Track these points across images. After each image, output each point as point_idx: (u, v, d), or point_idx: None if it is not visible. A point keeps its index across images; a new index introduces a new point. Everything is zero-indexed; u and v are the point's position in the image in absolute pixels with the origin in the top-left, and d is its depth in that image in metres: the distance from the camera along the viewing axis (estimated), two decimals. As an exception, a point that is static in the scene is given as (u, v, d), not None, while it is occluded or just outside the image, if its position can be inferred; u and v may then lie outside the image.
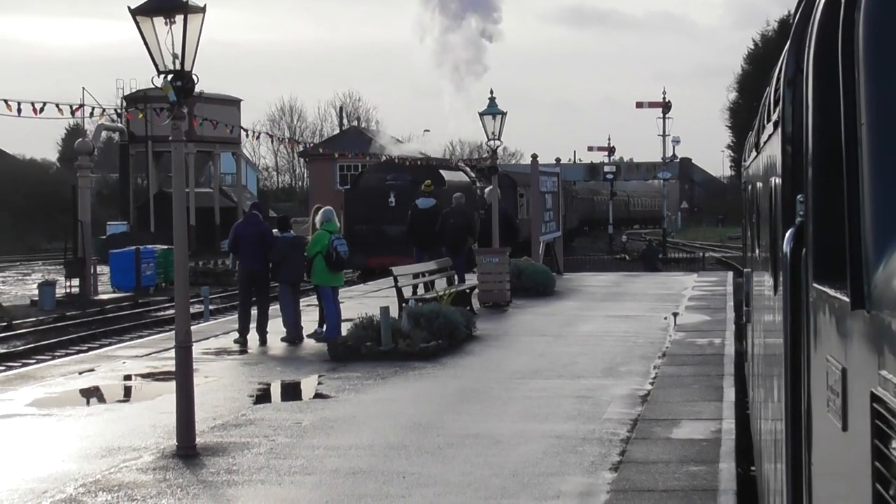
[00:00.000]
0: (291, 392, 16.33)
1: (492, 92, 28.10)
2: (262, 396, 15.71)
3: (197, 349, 15.56)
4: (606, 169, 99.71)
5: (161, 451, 12.05)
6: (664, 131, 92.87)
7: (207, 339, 21.43)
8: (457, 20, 43.13)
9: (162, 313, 36.09)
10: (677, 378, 16.28)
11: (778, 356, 5.38)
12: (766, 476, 7.56)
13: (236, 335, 20.68)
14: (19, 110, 25.46)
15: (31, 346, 27.96)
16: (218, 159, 71.72)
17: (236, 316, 21.76)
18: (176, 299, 12.46)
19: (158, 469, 11.29)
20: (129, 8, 11.88)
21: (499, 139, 28.37)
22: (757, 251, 9.67)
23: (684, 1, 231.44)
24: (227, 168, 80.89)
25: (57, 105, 26.60)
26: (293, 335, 20.54)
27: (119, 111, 54.00)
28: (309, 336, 20.77)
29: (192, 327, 12.71)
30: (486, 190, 30.18)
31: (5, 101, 24.95)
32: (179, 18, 11.62)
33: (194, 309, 26.94)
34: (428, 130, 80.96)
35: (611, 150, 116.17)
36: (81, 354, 22.41)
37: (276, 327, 20.69)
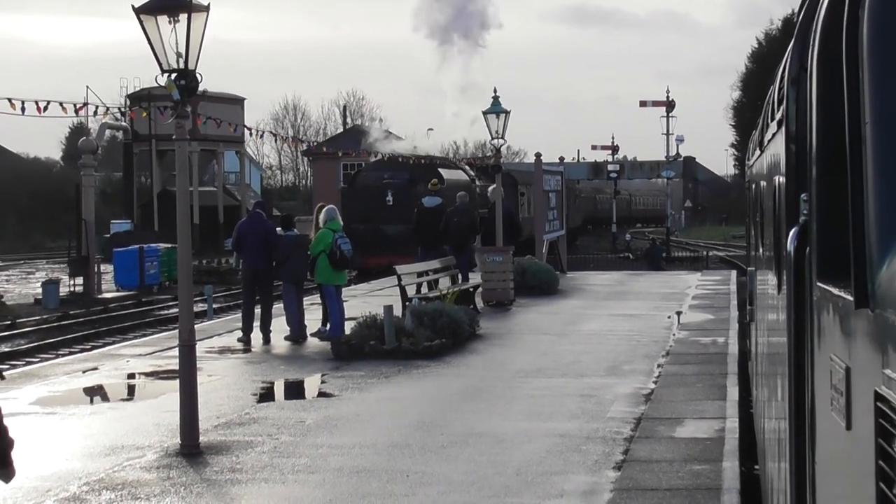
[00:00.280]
0: (295, 391, 16.34)
1: (495, 91, 28.12)
2: (266, 395, 15.72)
3: (200, 348, 15.56)
4: (610, 168, 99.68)
5: (165, 449, 12.06)
6: (668, 130, 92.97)
7: (211, 337, 21.44)
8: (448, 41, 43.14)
9: (165, 312, 36.10)
10: (681, 377, 16.27)
11: (782, 355, 5.37)
12: (770, 475, 7.56)
13: (240, 334, 20.69)
14: (23, 109, 25.45)
15: (35, 344, 27.98)
16: (222, 158, 71.78)
17: (240, 314, 21.76)
18: (179, 298, 12.46)
19: (162, 468, 11.30)
20: (132, 6, 11.88)
21: (502, 138, 28.37)
22: (761, 250, 9.67)
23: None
24: (230, 167, 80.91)
25: (61, 104, 26.59)
26: (297, 334, 20.54)
27: (123, 110, 54.02)
28: (312, 335, 20.77)
29: (195, 326, 12.71)
30: (490, 188, 30.17)
31: (9, 100, 24.95)
32: (183, 17, 11.62)
33: (198, 307, 27.00)
34: (432, 129, 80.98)
35: (614, 149, 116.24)
36: (85, 353, 22.42)
37: (279, 326, 20.70)
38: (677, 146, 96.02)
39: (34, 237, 79.23)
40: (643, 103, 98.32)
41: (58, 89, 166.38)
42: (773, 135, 6.51)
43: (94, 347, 25.29)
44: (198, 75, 11.81)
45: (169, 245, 42.32)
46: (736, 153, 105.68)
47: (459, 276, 26.67)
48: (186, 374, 12.06)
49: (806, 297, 4.01)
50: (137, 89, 65.74)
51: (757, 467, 11.15)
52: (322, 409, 14.26)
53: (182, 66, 11.68)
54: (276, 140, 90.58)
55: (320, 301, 21.53)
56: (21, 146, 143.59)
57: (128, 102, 63.67)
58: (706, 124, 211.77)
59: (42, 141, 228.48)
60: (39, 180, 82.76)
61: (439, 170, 42.46)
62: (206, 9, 11.83)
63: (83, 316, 34.88)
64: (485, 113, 28.09)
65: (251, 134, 40.15)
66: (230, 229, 26.83)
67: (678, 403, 14.27)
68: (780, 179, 5.83)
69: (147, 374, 17.61)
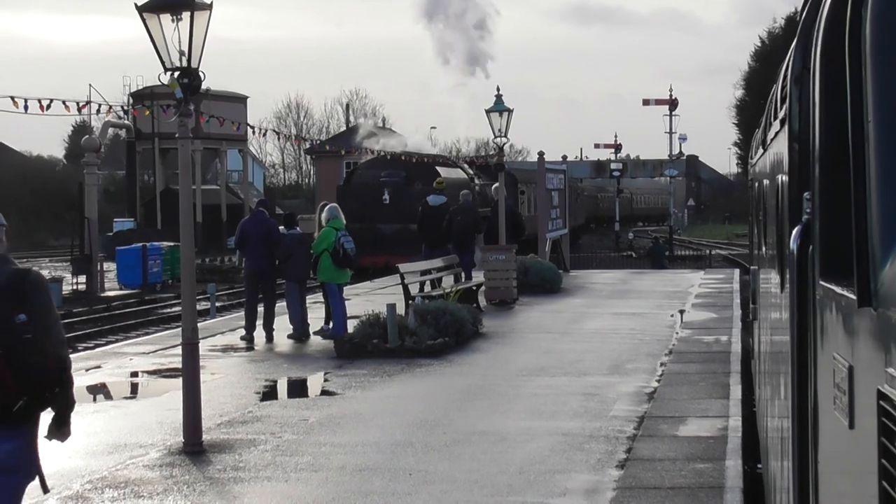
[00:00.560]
0: (298, 389, 16.35)
1: (498, 89, 28.10)
2: (269, 393, 15.73)
3: (203, 346, 15.57)
4: (613, 166, 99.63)
5: (168, 447, 12.06)
6: (671, 128, 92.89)
7: (214, 335, 21.45)
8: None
9: (168, 310, 36.12)
10: (684, 375, 16.27)
11: (784, 354, 5.37)
12: (773, 473, 7.56)
13: (243, 332, 20.70)
14: (26, 107, 25.49)
15: (38, 342, 27.97)
16: (224, 156, 71.83)
17: (243, 313, 21.77)
18: (182, 296, 12.47)
19: (165, 466, 11.30)
20: (135, 5, 11.88)
21: (505, 136, 28.37)
22: (763, 249, 9.67)
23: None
24: (233, 165, 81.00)
25: (64, 102, 26.64)
26: (300, 332, 20.55)
27: (126, 108, 54.05)
28: (315, 333, 20.78)
29: (198, 324, 12.72)
30: (493, 187, 30.17)
31: (12, 98, 24.99)
32: (186, 15, 11.62)
33: (201, 306, 26.97)
34: (434, 127, 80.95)
35: (617, 148, 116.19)
36: (88, 351, 22.43)
37: (282, 324, 20.71)
38: (680, 145, 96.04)
39: (37, 235, 79.27)
40: (646, 102, 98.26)
41: (61, 87, 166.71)
42: (776, 133, 6.50)
43: (97, 346, 25.31)
44: (201, 73, 11.81)
45: (172, 243, 42.30)
46: (739, 152, 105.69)
47: (462, 275, 26.67)
48: (189, 373, 12.06)
49: (809, 295, 4.01)
50: (140, 87, 65.80)
51: (760, 466, 11.14)
52: (325, 408, 14.26)
53: (185, 64, 11.68)
54: (278, 138, 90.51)
55: (323, 299, 21.53)
56: (24, 144, 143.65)
57: (131, 101, 63.71)
58: (709, 123, 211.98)
59: (45, 139, 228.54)
60: (42, 179, 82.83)
61: (437, 168, 42.20)
62: (209, 7, 11.83)
63: (86, 314, 34.91)
64: (488, 111, 28.09)
65: (254, 132, 40.27)
66: (233, 228, 26.84)
67: (681, 402, 14.27)
68: (783, 178, 5.83)
69: (150, 373, 17.62)
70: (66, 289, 39.90)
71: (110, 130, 60.70)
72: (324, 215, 20.42)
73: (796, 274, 4.19)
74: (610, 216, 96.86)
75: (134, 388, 16.77)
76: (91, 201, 41.84)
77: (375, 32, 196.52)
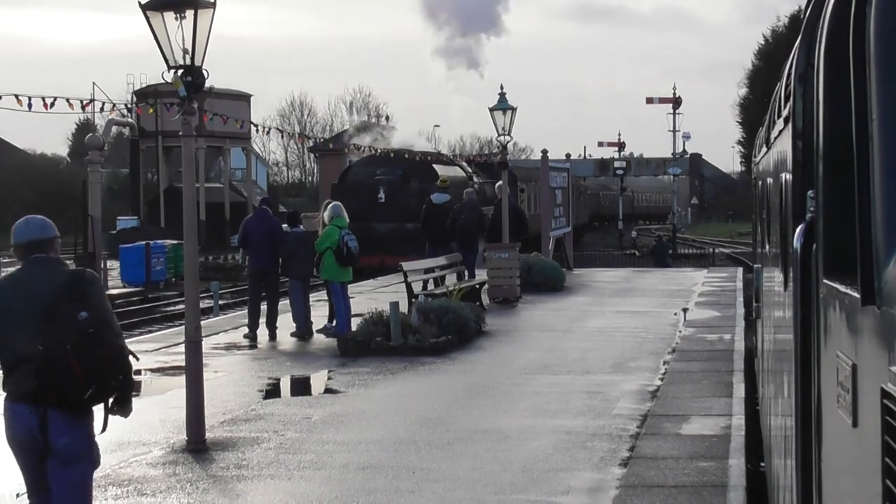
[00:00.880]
0: (301, 387, 16.36)
1: (502, 87, 28.08)
2: (272, 391, 15.74)
3: (207, 344, 15.57)
4: (616, 164, 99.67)
5: (171, 445, 12.07)
6: (674, 127, 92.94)
7: (217, 334, 21.46)
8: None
9: (172, 308, 36.14)
10: (687, 374, 16.27)
11: (788, 352, 5.37)
12: (776, 472, 7.55)
13: (246, 330, 20.71)
14: (30, 105, 25.49)
15: (42, 340, 27.97)
16: (228, 154, 71.79)
17: (246, 311, 21.78)
18: (186, 294, 12.48)
19: (168, 464, 11.31)
20: (139, 3, 11.88)
21: (509, 134, 28.36)
22: (767, 247, 9.67)
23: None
24: (237, 163, 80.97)
25: (67, 100, 26.63)
26: (303, 330, 20.55)
27: (129, 106, 54.08)
28: (318, 331, 20.78)
29: (201, 322, 12.72)
30: (497, 185, 30.17)
31: (16, 96, 24.98)
32: (190, 13, 11.62)
33: (204, 304, 27.00)
34: (438, 126, 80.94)
35: (621, 146, 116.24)
36: (91, 349, 22.41)
37: (285, 322, 20.71)
38: (684, 143, 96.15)
39: (41, 233, 79.23)
40: (650, 100, 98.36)
41: (64, 86, 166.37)
42: (780, 132, 6.50)
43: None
44: (204, 72, 11.81)
45: (175, 241, 42.29)
46: (742, 150, 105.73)
47: (466, 273, 26.67)
48: (193, 371, 12.07)
49: (812, 294, 4.01)
50: (144, 86, 65.78)
51: (763, 464, 11.13)
52: (328, 406, 14.27)
53: (188, 62, 11.67)
54: (282, 136, 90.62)
55: (327, 298, 21.53)
56: (28, 142, 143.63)
57: (134, 99, 63.67)
58: (713, 121, 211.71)
59: (49, 137, 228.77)
60: (46, 177, 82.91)
61: (434, 166, 41.76)
62: (213, 5, 11.83)
63: (89, 312, 34.85)
64: (491, 109, 28.08)
65: (258, 130, 40.12)
66: (236, 226, 26.81)
67: (684, 400, 14.26)
68: (786, 176, 5.83)
69: (153, 371, 17.62)
70: (70, 287, 39.85)
71: (114, 128, 60.63)
72: (327, 213, 20.43)
73: (800, 272, 4.19)
74: (609, 215, 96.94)
75: (137, 386, 16.77)
76: (95, 199, 41.77)
77: (376, 31, 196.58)
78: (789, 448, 5.33)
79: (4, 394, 7.37)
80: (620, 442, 11.92)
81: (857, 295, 2.80)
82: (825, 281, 3.52)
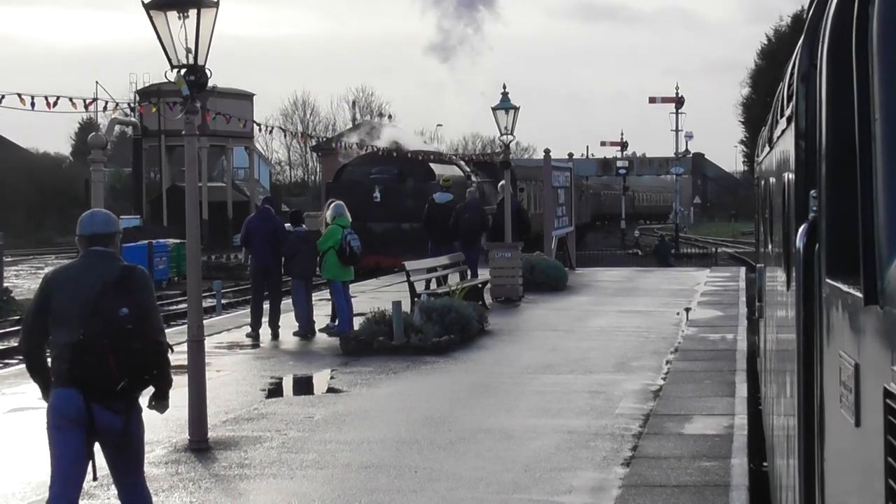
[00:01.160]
0: (303, 386, 16.36)
1: (504, 87, 28.07)
2: (275, 390, 15.74)
3: (209, 343, 15.58)
4: (619, 164, 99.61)
5: (173, 444, 12.07)
6: (677, 126, 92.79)
7: (220, 333, 21.47)
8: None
9: (174, 307, 36.15)
10: (689, 373, 16.27)
11: (790, 352, 5.37)
12: (779, 472, 7.55)
13: (249, 329, 20.71)
14: (33, 104, 25.47)
15: (44, 339, 27.98)
16: (231, 154, 71.87)
17: (248, 310, 21.78)
18: (188, 293, 12.48)
19: (171, 463, 11.31)
20: (142, 2, 11.89)
21: (511, 134, 28.36)
22: (770, 247, 9.66)
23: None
24: (239, 162, 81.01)
25: (70, 99, 26.61)
26: (305, 329, 20.56)
27: (132, 105, 54.06)
28: (321, 330, 20.79)
29: (204, 321, 12.72)
30: (500, 184, 30.16)
31: (19, 95, 24.98)
32: (193, 13, 11.62)
33: (207, 303, 27.00)
34: (441, 125, 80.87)
35: (623, 145, 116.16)
36: (94, 348, 22.43)
37: (288, 322, 20.72)
38: (686, 143, 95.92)
39: (43, 232, 79.36)
40: (652, 100, 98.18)
41: (67, 85, 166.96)
42: (783, 131, 6.50)
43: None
44: (207, 71, 11.82)
45: (178, 240, 42.31)
46: (745, 150, 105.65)
47: (468, 272, 26.67)
48: (195, 370, 12.07)
49: (815, 293, 4.01)
50: (147, 85, 65.85)
51: (766, 464, 11.13)
52: (330, 405, 14.27)
53: (192, 61, 11.68)
54: (285, 136, 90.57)
55: (329, 297, 21.54)
56: (30, 141, 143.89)
57: (137, 98, 63.73)
58: (715, 121, 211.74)
59: (52, 136, 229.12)
60: (49, 176, 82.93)
61: (431, 165, 41.38)
62: (216, 4, 11.83)
63: (92, 311, 34.87)
64: (494, 109, 28.07)
65: (260, 129, 40.23)
66: (239, 225, 26.81)
67: (687, 400, 14.26)
68: (789, 176, 5.83)
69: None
70: (73, 286, 39.87)
71: (117, 127, 60.58)
72: (329, 213, 20.44)
73: (802, 272, 4.19)
74: (610, 214, 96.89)
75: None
76: (97, 198, 41.72)
77: (379, 30, 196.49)
78: (792, 448, 5.33)
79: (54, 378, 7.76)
80: (623, 441, 11.92)
81: (859, 295, 2.80)
82: (828, 280, 3.52)
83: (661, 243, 61.46)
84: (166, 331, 9.00)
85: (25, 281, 48.71)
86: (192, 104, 11.92)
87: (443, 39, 44.13)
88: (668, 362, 17.31)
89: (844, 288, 3.15)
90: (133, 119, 58.42)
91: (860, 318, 2.85)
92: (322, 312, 21.70)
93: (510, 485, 10.25)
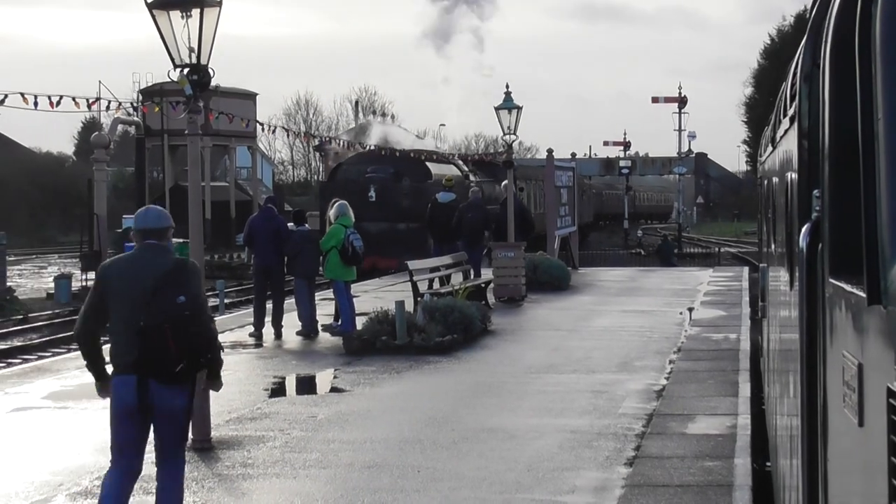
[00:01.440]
0: (306, 386, 16.36)
1: (507, 86, 28.10)
2: (278, 390, 15.74)
3: (212, 343, 15.57)
4: (622, 164, 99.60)
5: (176, 444, 12.06)
6: (680, 126, 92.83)
7: (223, 332, 21.43)
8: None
9: (177, 307, 36.10)
10: (692, 373, 16.26)
11: (794, 351, 5.37)
12: (782, 471, 7.55)
13: (251, 329, 20.71)
14: (36, 103, 25.49)
15: (47, 339, 28.03)
16: (234, 153, 71.79)
17: (251, 310, 21.78)
18: (191, 293, 12.46)
19: (174, 462, 11.30)
20: (145, 1, 11.89)
21: (514, 133, 28.37)
22: (773, 246, 9.66)
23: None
24: (242, 162, 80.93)
25: (73, 98, 26.63)
26: (308, 329, 20.56)
27: (135, 105, 53.99)
28: (324, 330, 20.79)
29: (207, 321, 12.69)
30: (503, 184, 30.18)
31: (22, 95, 24.99)
32: (196, 12, 11.63)
33: (210, 302, 27.01)
34: (444, 125, 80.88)
35: (626, 145, 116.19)
36: (97, 347, 22.43)
37: (291, 321, 20.72)
38: (689, 142, 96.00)
39: (46, 232, 79.41)
40: (655, 99, 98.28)
41: (70, 84, 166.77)
42: (786, 131, 6.50)
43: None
44: (210, 70, 11.82)
45: (181, 240, 42.17)
46: (748, 149, 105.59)
47: (471, 272, 26.68)
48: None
49: (818, 293, 4.01)
50: (150, 84, 65.74)
51: (769, 464, 11.13)
52: (333, 405, 14.28)
53: (194, 60, 11.68)
54: (288, 135, 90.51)
55: (333, 296, 21.54)
56: (33, 141, 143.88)
57: (140, 97, 63.63)
58: (718, 120, 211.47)
59: (55, 136, 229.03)
60: (52, 175, 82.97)
61: (427, 164, 41.07)
62: (219, 4, 11.84)
63: (95, 310, 34.87)
64: (497, 108, 28.08)
65: (263, 129, 40.06)
66: (242, 224, 26.82)
67: (690, 400, 14.26)
68: (792, 176, 5.82)
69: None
70: (76, 285, 39.93)
71: (120, 127, 60.71)
72: (332, 212, 20.45)
73: (805, 272, 4.18)
74: (612, 214, 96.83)
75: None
76: (100, 197, 41.83)
77: (381, 30, 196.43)
78: (795, 447, 5.33)
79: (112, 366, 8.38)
80: (626, 441, 11.91)
81: (862, 294, 2.80)
82: (831, 280, 3.51)
83: (664, 243, 61.48)
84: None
85: (28, 280, 48.75)
86: (194, 104, 11.93)
87: (445, 40, 44.13)
88: (671, 362, 17.30)
89: (848, 288, 3.14)
90: (136, 118, 58.40)
91: (863, 317, 2.85)
92: (325, 312, 21.70)
93: (513, 484, 10.25)
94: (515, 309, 25.15)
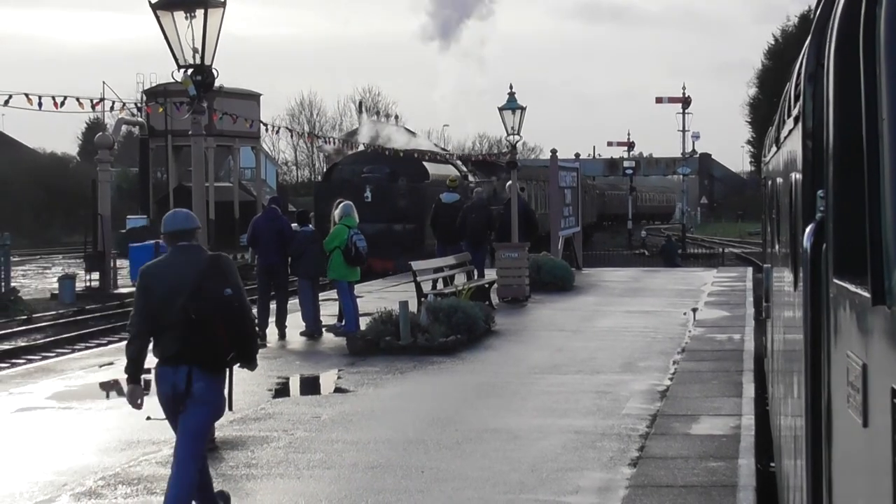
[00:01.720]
0: (310, 386, 16.36)
1: (511, 87, 28.09)
2: (281, 390, 15.74)
3: (216, 343, 15.56)
4: (626, 164, 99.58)
5: (180, 444, 12.07)
6: (684, 126, 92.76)
7: (227, 333, 21.44)
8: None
9: (181, 307, 36.11)
10: (696, 374, 16.25)
11: (798, 352, 5.36)
12: (786, 472, 7.55)
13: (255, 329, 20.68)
14: (40, 104, 25.53)
15: (51, 339, 28.05)
16: (237, 154, 71.81)
17: (255, 310, 21.77)
18: (195, 293, 12.46)
19: (178, 462, 11.31)
20: (149, 2, 11.90)
21: (518, 134, 28.36)
22: (777, 247, 9.65)
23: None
24: (246, 162, 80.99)
25: (77, 99, 26.68)
26: (312, 329, 20.56)
27: (139, 105, 54.12)
28: (328, 330, 20.79)
29: (211, 321, 12.70)
30: (507, 185, 30.18)
31: (26, 96, 25.04)
32: (199, 13, 11.64)
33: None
34: (447, 125, 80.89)
35: (630, 146, 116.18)
36: (101, 348, 22.48)
37: (295, 322, 20.73)
38: (693, 143, 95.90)
39: (50, 232, 79.43)
40: (659, 100, 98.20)
41: (74, 85, 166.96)
42: (790, 131, 6.49)
43: (109, 342, 25.37)
44: (214, 71, 11.83)
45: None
46: (752, 150, 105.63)
47: (475, 272, 26.68)
48: (202, 370, 12.05)
49: (822, 293, 4.00)
50: (154, 85, 65.76)
51: (773, 464, 11.12)
52: (337, 405, 14.28)
53: (198, 61, 11.69)
54: (291, 136, 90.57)
55: (336, 297, 21.54)
56: (37, 141, 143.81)
57: (144, 98, 63.69)
58: (722, 121, 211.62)
59: (59, 136, 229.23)
60: (56, 175, 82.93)
61: (425, 163, 40.81)
62: (223, 4, 11.85)
63: (99, 311, 34.96)
64: (500, 109, 28.08)
65: (267, 130, 40.07)
66: (245, 225, 26.82)
67: (694, 400, 14.25)
68: (796, 176, 5.82)
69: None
70: (80, 285, 39.95)
71: (124, 127, 60.73)
72: (336, 213, 20.45)
73: (810, 272, 4.18)
74: (613, 214, 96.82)
75: (147, 385, 16.74)
76: (104, 198, 41.89)
77: (381, 29, 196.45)
78: (799, 448, 5.33)
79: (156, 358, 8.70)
80: (630, 442, 11.91)
81: (867, 294, 2.80)
82: (835, 281, 3.51)
83: (668, 243, 61.44)
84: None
85: (32, 281, 48.77)
86: (198, 104, 11.94)
87: (448, 40, 44.13)
88: (675, 363, 17.30)
89: (852, 288, 3.14)
90: (140, 119, 58.46)
91: (868, 318, 2.84)
92: (329, 312, 21.70)
93: (517, 485, 10.25)
94: (519, 309, 25.15)
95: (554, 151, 37.03)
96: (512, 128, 28.10)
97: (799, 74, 5.59)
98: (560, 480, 10.38)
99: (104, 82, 62.40)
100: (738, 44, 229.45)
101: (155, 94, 60.68)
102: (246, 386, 15.72)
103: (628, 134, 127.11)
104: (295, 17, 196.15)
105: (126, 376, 8.81)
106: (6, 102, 24.15)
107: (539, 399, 14.42)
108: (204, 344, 8.44)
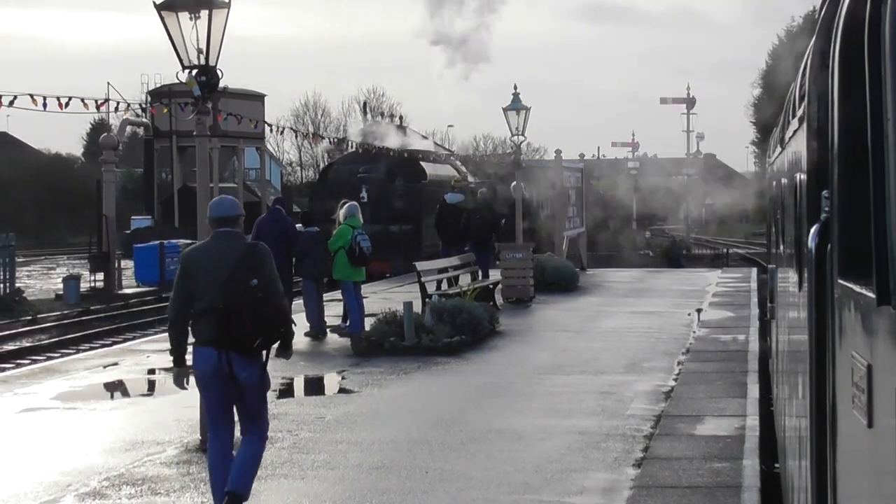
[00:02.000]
0: (315, 387, 16.36)
1: (515, 87, 28.09)
2: (286, 391, 15.75)
3: (220, 344, 15.56)
4: (630, 165, 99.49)
5: (185, 445, 12.09)
6: (688, 127, 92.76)
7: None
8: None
9: (186, 308, 36.10)
10: (701, 374, 16.25)
11: (802, 352, 5.36)
12: (791, 473, 7.54)
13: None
14: (45, 105, 25.51)
15: (56, 339, 28.06)
16: (242, 154, 71.84)
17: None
18: (200, 294, 12.47)
19: (182, 463, 11.33)
20: (154, 3, 11.91)
21: (522, 134, 28.36)
22: (781, 247, 9.65)
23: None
24: (250, 163, 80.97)
25: (82, 100, 26.66)
26: (316, 330, 20.56)
27: (144, 106, 54.05)
28: (332, 331, 20.78)
29: (215, 322, 12.70)
30: (511, 185, 30.17)
31: (31, 96, 25.02)
32: (204, 14, 11.64)
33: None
34: (452, 126, 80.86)
35: (635, 146, 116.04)
36: (105, 348, 22.49)
37: (299, 322, 20.66)
38: (698, 143, 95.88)
39: (55, 233, 79.46)
40: (663, 100, 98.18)
41: (78, 85, 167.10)
42: (795, 132, 6.49)
43: (114, 343, 25.37)
44: (218, 72, 11.83)
45: (189, 241, 42.25)
46: (756, 150, 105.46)
47: (479, 273, 26.67)
48: (206, 370, 12.06)
49: (827, 294, 4.00)
50: (158, 86, 65.82)
51: (777, 465, 11.12)
52: (341, 406, 14.28)
53: (203, 62, 11.69)
54: (296, 136, 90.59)
55: (340, 297, 21.54)
56: (42, 142, 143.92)
57: (149, 99, 63.73)
58: (726, 121, 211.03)
59: (63, 137, 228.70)
60: (61, 176, 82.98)
61: (422, 163, 40.62)
62: (227, 5, 11.85)
63: (103, 311, 34.96)
64: (505, 109, 28.08)
65: (271, 130, 40.04)
66: (250, 225, 26.77)
67: (698, 401, 14.24)
68: (801, 176, 5.82)
69: (167, 370, 17.57)
70: (84, 286, 39.96)
71: (128, 128, 60.79)
72: (341, 213, 20.43)
73: (814, 272, 4.18)
74: (615, 215, 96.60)
75: (151, 386, 16.81)
76: (109, 199, 41.92)
77: (385, 29, 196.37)
78: (804, 449, 5.32)
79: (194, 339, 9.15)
80: (634, 442, 11.91)
81: (872, 295, 2.80)
82: (840, 281, 3.51)
83: (673, 244, 61.38)
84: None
85: (37, 281, 48.80)
86: (203, 105, 11.94)
87: (451, 40, 44.03)
88: (679, 363, 17.29)
89: (857, 288, 3.14)
90: (144, 120, 58.48)
91: (873, 318, 2.84)
92: (333, 313, 21.71)
93: (521, 485, 10.25)
94: (523, 310, 25.14)
95: (558, 152, 37.06)
96: (516, 128, 28.11)
97: (804, 75, 5.59)
98: (564, 481, 10.38)
99: (108, 83, 62.66)
100: (741, 44, 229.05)
101: (159, 95, 60.72)
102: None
103: (633, 134, 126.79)
104: (296, 18, 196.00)
105: (171, 360, 9.35)
106: (11, 103, 24.15)
107: (543, 400, 14.42)
108: (234, 332, 8.89)
